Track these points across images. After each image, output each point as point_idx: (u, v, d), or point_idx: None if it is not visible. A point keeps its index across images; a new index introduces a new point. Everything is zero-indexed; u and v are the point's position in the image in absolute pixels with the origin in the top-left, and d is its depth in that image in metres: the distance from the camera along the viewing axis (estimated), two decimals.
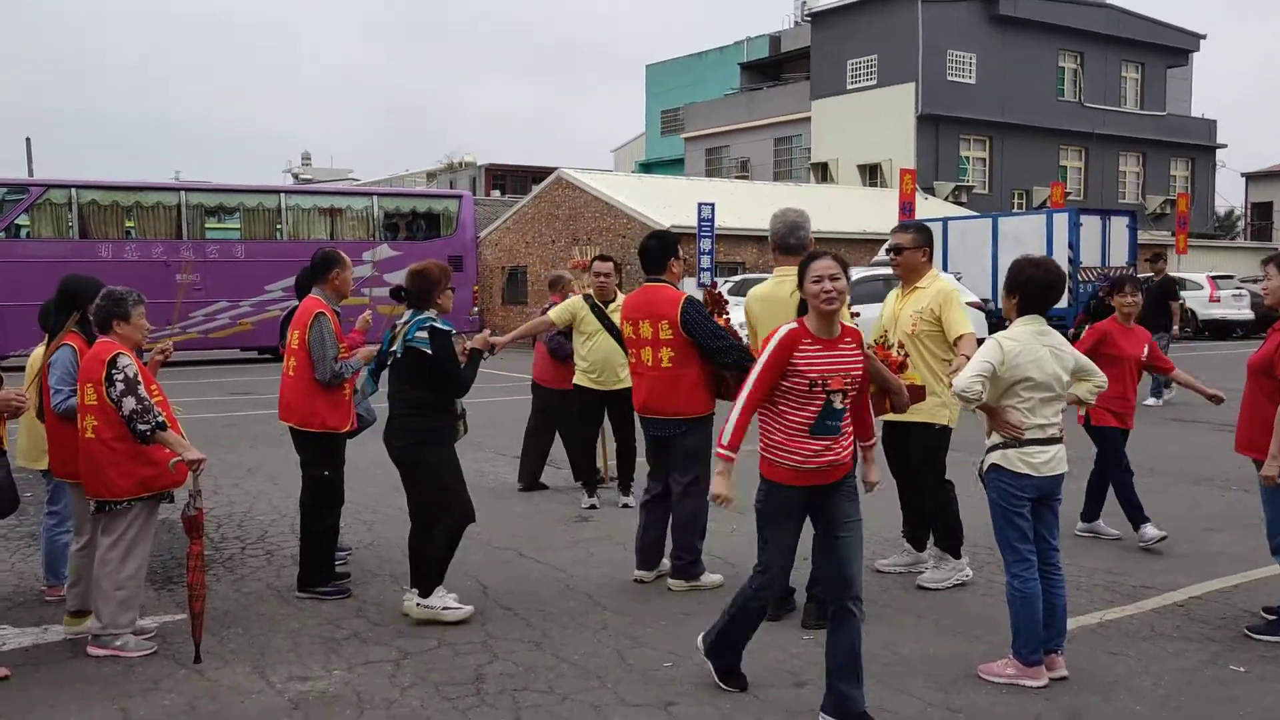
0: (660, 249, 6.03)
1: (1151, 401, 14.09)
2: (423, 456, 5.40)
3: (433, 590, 5.39)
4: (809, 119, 40.64)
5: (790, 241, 5.52)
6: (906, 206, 27.87)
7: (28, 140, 62.86)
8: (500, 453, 10.59)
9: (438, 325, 5.33)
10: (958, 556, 6.01)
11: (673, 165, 48.39)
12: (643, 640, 5.14)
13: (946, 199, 35.90)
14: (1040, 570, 4.59)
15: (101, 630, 4.97)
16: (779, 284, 5.46)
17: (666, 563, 6.13)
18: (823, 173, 39.25)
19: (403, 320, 5.45)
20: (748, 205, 29.32)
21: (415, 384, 5.37)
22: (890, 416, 5.80)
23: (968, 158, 38.61)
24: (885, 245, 6.13)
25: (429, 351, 5.26)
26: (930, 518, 6.04)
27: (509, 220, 32.51)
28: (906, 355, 5.74)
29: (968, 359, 5.44)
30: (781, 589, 4.92)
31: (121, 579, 4.95)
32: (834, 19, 39.49)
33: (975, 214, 29.58)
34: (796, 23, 48.46)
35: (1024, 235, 23.24)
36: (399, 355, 5.37)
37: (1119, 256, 23.74)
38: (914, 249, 5.91)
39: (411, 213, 26.44)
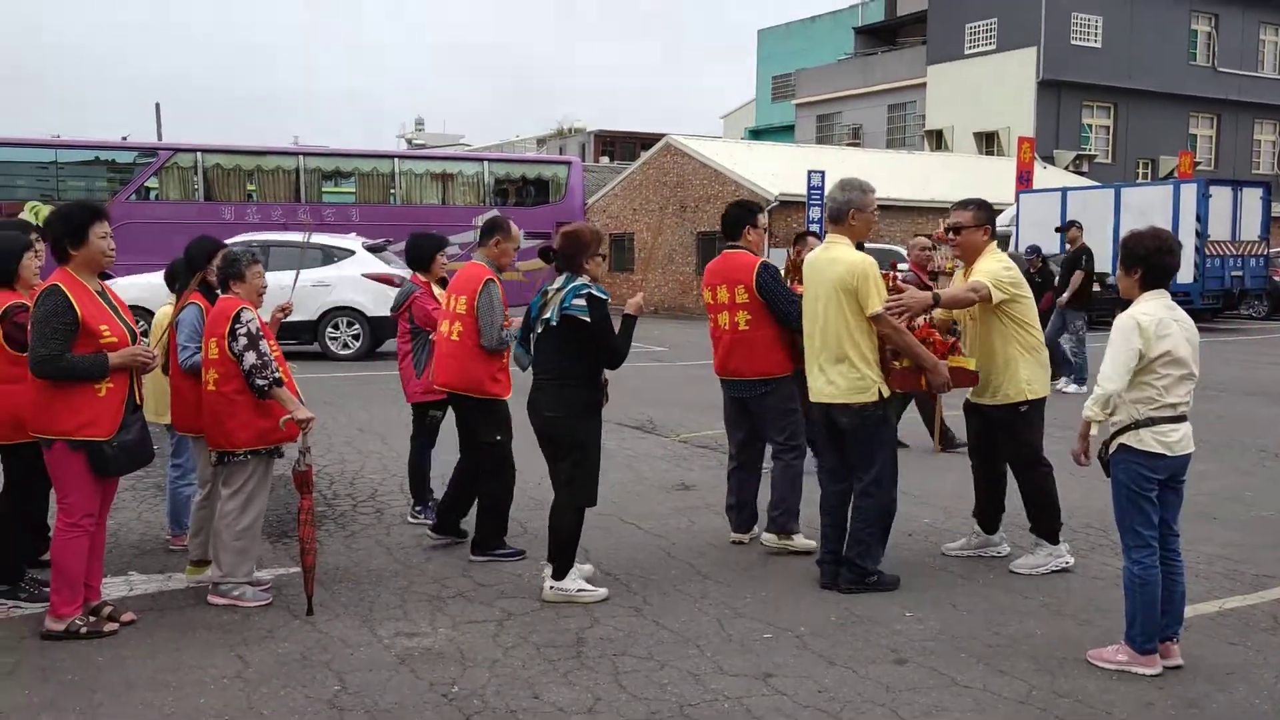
0: (737, 217, 6.18)
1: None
2: (572, 429, 5.25)
3: (567, 572, 5.30)
4: (924, 85, 39.71)
5: (827, 211, 5.65)
6: (1024, 176, 27.10)
7: (157, 106, 65.29)
8: (604, 419, 10.63)
9: (595, 293, 5.15)
10: (1055, 542, 5.77)
11: (783, 132, 47.81)
12: (742, 611, 5.13)
13: (1067, 168, 34.76)
14: (1160, 556, 4.44)
15: (221, 579, 5.17)
16: (823, 250, 5.56)
17: (757, 530, 6.26)
18: (937, 140, 38.36)
19: (555, 286, 5.25)
20: (860, 173, 28.60)
21: (569, 353, 5.19)
22: (972, 397, 5.78)
23: (1090, 125, 37.30)
24: (945, 224, 5.91)
25: (588, 320, 5.11)
26: (1025, 501, 5.80)
27: (617, 187, 32.57)
28: (957, 339, 5.69)
29: (954, 293, 5.53)
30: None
31: (239, 530, 5.14)
32: None
33: (1097, 184, 28.58)
34: None
35: (1149, 207, 22.39)
36: (553, 323, 5.19)
37: (1251, 230, 22.76)
38: (974, 227, 5.71)
39: (521, 178, 26.69)
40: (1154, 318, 4.34)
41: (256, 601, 5.14)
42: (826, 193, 5.70)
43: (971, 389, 5.76)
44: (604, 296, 5.23)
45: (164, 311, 5.81)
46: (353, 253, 16.36)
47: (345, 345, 16.41)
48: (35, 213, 20.17)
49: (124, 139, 26.32)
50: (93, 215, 4.67)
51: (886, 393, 5.39)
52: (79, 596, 4.71)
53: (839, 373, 5.34)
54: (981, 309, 5.59)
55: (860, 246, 5.57)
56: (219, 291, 5.33)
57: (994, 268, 5.58)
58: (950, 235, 5.80)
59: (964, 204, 5.80)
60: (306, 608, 5.02)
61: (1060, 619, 5.05)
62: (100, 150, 23.97)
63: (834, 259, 5.38)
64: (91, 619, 4.75)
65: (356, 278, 16.13)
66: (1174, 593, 4.46)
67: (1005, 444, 5.79)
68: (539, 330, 5.27)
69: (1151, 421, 4.35)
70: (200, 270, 5.57)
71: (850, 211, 5.46)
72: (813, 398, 5.50)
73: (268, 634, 4.80)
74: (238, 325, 5.03)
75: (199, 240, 5.74)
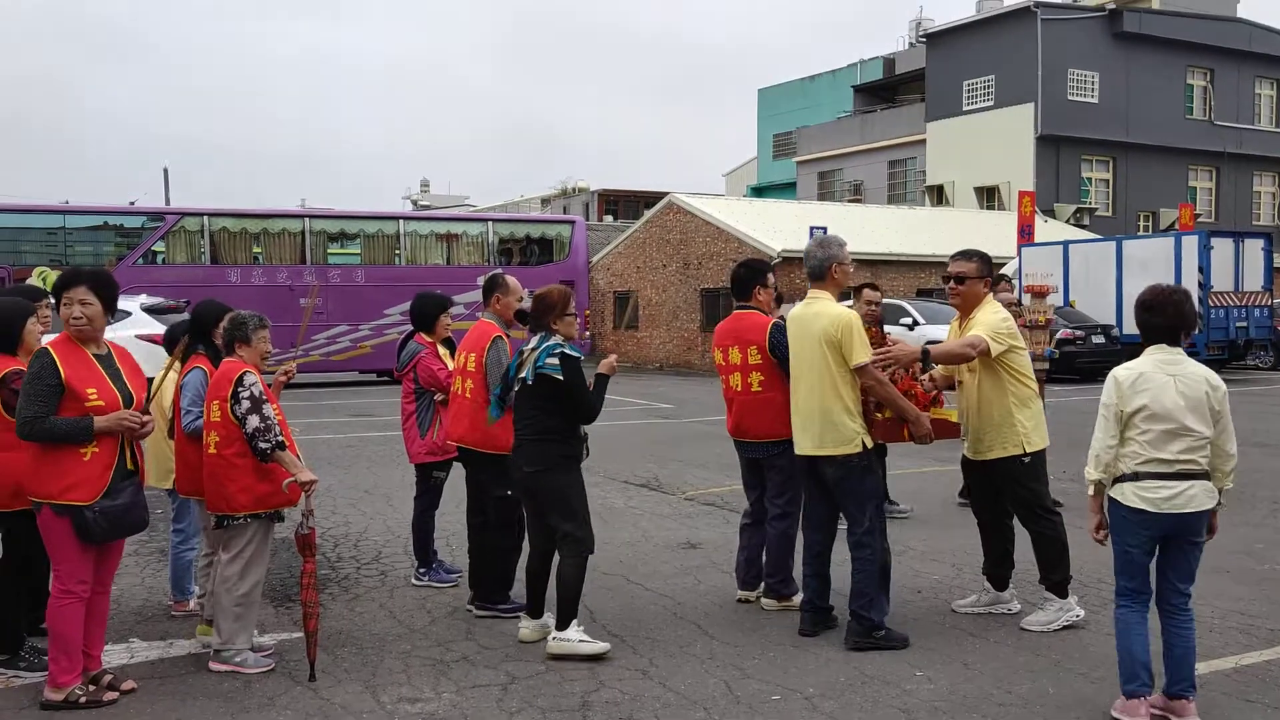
0: (748, 277, 6.21)
1: None
2: (554, 482, 5.36)
3: (569, 623, 5.33)
4: (924, 141, 40.05)
5: (807, 268, 5.73)
6: (1026, 229, 27.24)
7: (165, 170, 65.93)
8: (610, 477, 10.62)
9: (568, 351, 5.32)
10: (1064, 596, 5.69)
11: (785, 189, 48.18)
12: (750, 672, 5.06)
13: (1067, 221, 34.92)
14: (1162, 610, 4.38)
15: (221, 645, 5.11)
16: (805, 306, 5.64)
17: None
18: (938, 195, 38.60)
19: (530, 346, 5.42)
20: (860, 229, 28.99)
21: (546, 410, 5.33)
22: (966, 452, 5.84)
23: (1090, 179, 37.53)
24: (945, 273, 5.95)
25: (561, 378, 5.24)
26: (1036, 552, 5.75)
27: (621, 245, 32.76)
28: (938, 390, 5.80)
29: (948, 348, 5.56)
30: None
31: (239, 595, 5.09)
32: (949, 40, 38.90)
33: (1098, 237, 28.72)
34: (911, 44, 47.92)
35: (1150, 259, 22.49)
36: (529, 381, 5.32)
37: (1254, 280, 22.80)
38: (976, 278, 5.76)
39: (525, 238, 26.84)
40: (1134, 372, 4.36)
41: (258, 668, 5.08)
42: (805, 252, 5.81)
43: (969, 445, 5.78)
44: (577, 355, 5.38)
45: (159, 376, 5.80)
46: (129, 314, 16.03)
47: None
48: (44, 278, 20.30)
49: (131, 203, 26.58)
50: (63, 283, 4.71)
51: (870, 444, 5.48)
52: (78, 665, 4.66)
53: (825, 425, 5.42)
54: (979, 362, 5.59)
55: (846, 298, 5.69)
56: (224, 353, 5.34)
57: (991, 319, 5.60)
58: (951, 285, 5.82)
59: (966, 254, 5.84)
60: (309, 673, 4.96)
61: (1074, 677, 4.98)
62: (108, 215, 24.16)
63: (817, 313, 5.50)
64: (91, 688, 4.68)
65: (130, 338, 15.91)
66: (1174, 649, 4.37)
67: (1011, 497, 5.75)
68: (517, 389, 5.41)
69: (1135, 476, 4.32)
70: (207, 333, 5.58)
71: (832, 266, 5.61)
72: (798, 450, 5.61)
73: (269, 702, 4.73)
74: (240, 389, 5.03)
75: (206, 303, 5.77)
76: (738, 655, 5.31)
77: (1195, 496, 4.31)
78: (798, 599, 5.92)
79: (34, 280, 20.01)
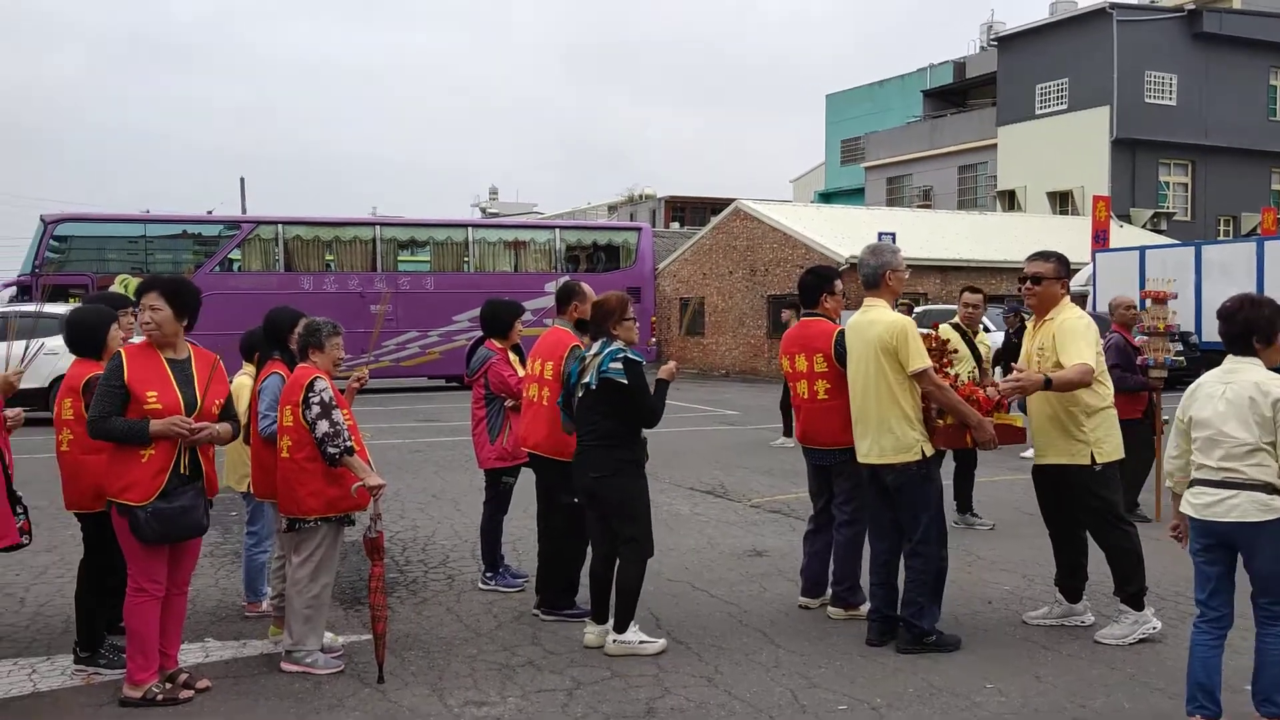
0: (814, 284, 6.21)
1: None
2: (618, 487, 5.42)
3: (628, 626, 5.41)
4: (995, 145, 39.49)
5: (861, 276, 5.71)
6: (1100, 235, 26.69)
7: (241, 180, 67.42)
8: (676, 484, 10.61)
9: (630, 356, 5.37)
10: (1140, 608, 5.55)
11: (853, 195, 47.81)
12: (817, 681, 5.02)
13: (1144, 226, 34.18)
14: (1259, 620, 4.27)
15: (292, 646, 5.20)
16: (861, 314, 5.62)
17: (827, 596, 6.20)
18: (1010, 201, 38.02)
19: (592, 352, 5.48)
20: (930, 235, 28.69)
21: (609, 415, 5.39)
22: (1036, 460, 5.73)
23: (1167, 183, 36.70)
24: (1021, 274, 5.83)
25: (625, 382, 5.30)
26: (1110, 564, 5.63)
27: (687, 252, 32.76)
28: (1001, 396, 5.68)
29: (1066, 376, 5.35)
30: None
31: (309, 597, 5.18)
32: (1022, 43, 38.32)
33: (1176, 242, 28.05)
34: (982, 48, 47.29)
35: (1231, 265, 21.90)
36: (593, 387, 5.38)
37: None
38: (1054, 279, 5.66)
39: (592, 245, 26.98)
40: (1196, 383, 4.41)
41: (328, 669, 5.16)
42: (858, 259, 5.77)
43: (1035, 451, 5.68)
44: (639, 359, 5.43)
45: (241, 382, 5.93)
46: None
47: None
48: (125, 285, 20.87)
49: (209, 212, 27.21)
50: (140, 289, 4.88)
51: (930, 451, 5.44)
52: (154, 663, 4.77)
53: (884, 433, 5.40)
54: (1052, 371, 5.47)
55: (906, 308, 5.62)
56: (298, 359, 5.43)
57: (1078, 325, 5.50)
58: (1028, 285, 5.71)
59: (1044, 255, 5.76)
60: (377, 676, 5.02)
61: (1150, 692, 4.86)
62: (187, 224, 24.81)
63: (872, 320, 5.49)
64: (168, 685, 4.79)
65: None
66: (1257, 664, 4.28)
67: (1083, 507, 5.63)
68: (580, 395, 5.46)
69: (1193, 483, 4.34)
70: (283, 339, 5.69)
71: (885, 273, 5.60)
72: (859, 458, 5.59)
73: (338, 703, 4.80)
74: (311, 394, 5.12)
75: (281, 310, 5.88)
76: (804, 664, 5.27)
77: (1238, 506, 4.17)
78: (864, 608, 5.86)
79: (116, 287, 20.59)
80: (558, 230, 26.86)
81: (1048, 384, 5.33)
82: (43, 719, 4.70)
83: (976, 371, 7.97)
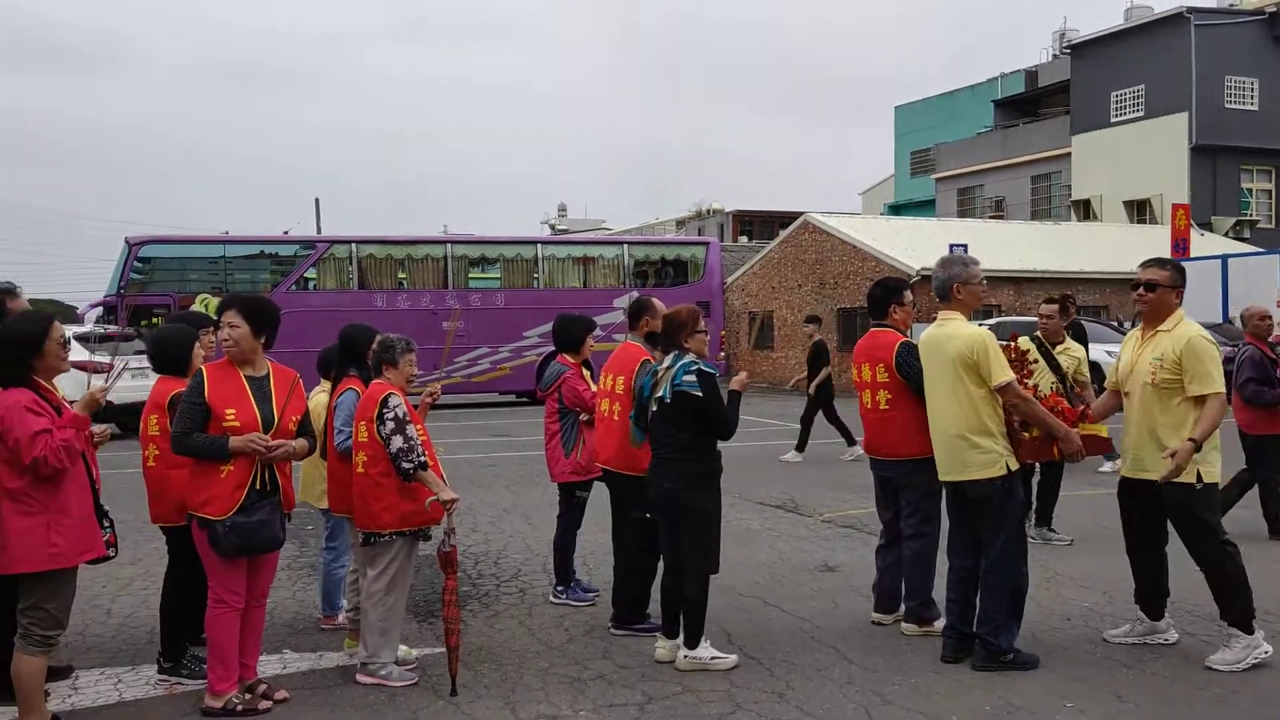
0: (882, 296, 6.21)
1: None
2: (693, 500, 5.41)
3: (699, 641, 5.40)
4: (1069, 154, 38.80)
5: (933, 288, 5.68)
6: (1180, 244, 26.10)
7: (316, 201, 68.78)
8: (745, 498, 10.56)
9: (703, 368, 5.38)
10: (1250, 631, 5.31)
11: (923, 207, 47.31)
12: (890, 698, 4.96)
13: (1226, 235, 33.28)
14: None
15: (367, 659, 5.28)
16: (937, 328, 5.57)
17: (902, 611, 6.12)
18: (1085, 210, 37.30)
19: (664, 366, 5.50)
20: (1003, 245, 28.24)
21: (684, 427, 5.38)
22: (1126, 471, 5.58)
23: (1250, 190, 35.73)
24: (1134, 280, 5.65)
25: (699, 394, 5.30)
26: (1212, 587, 5.42)
27: (756, 265, 32.66)
28: (1086, 406, 5.61)
29: (1207, 427, 5.10)
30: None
31: (384, 610, 5.25)
32: (1096, 50, 37.63)
33: (1260, 250, 27.27)
34: (1054, 56, 46.57)
35: None
36: (666, 400, 5.39)
37: None
38: (1169, 287, 5.48)
39: (660, 260, 27.03)
40: None
41: (402, 681, 5.22)
42: (932, 272, 5.71)
43: (1128, 464, 5.54)
44: (712, 371, 5.42)
45: (318, 399, 6.03)
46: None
47: None
48: (206, 304, 21.40)
49: (285, 233, 27.78)
50: (221, 307, 5.03)
51: (1015, 466, 5.35)
52: (233, 673, 4.87)
53: (966, 449, 5.32)
54: (1151, 381, 5.33)
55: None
56: (372, 375, 5.52)
57: (1207, 347, 5.27)
58: (1140, 292, 5.56)
59: (1160, 262, 5.63)
60: (451, 688, 5.06)
61: (1239, 713, 4.71)
62: (264, 244, 25.38)
63: (950, 335, 5.41)
64: (247, 696, 4.89)
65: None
66: None
67: (1183, 526, 5.43)
68: (653, 408, 5.47)
69: None
70: (358, 356, 5.78)
71: (954, 286, 5.53)
72: (941, 475, 5.51)
73: (412, 715, 4.85)
74: (385, 410, 5.19)
75: (355, 327, 5.98)
76: (877, 680, 5.20)
77: None
78: (939, 624, 5.78)
79: (196, 306, 21.10)
80: (626, 246, 26.95)
81: (1199, 446, 5.16)
82: None
83: (1058, 384, 7.81)
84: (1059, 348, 8.39)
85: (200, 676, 5.15)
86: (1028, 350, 6.77)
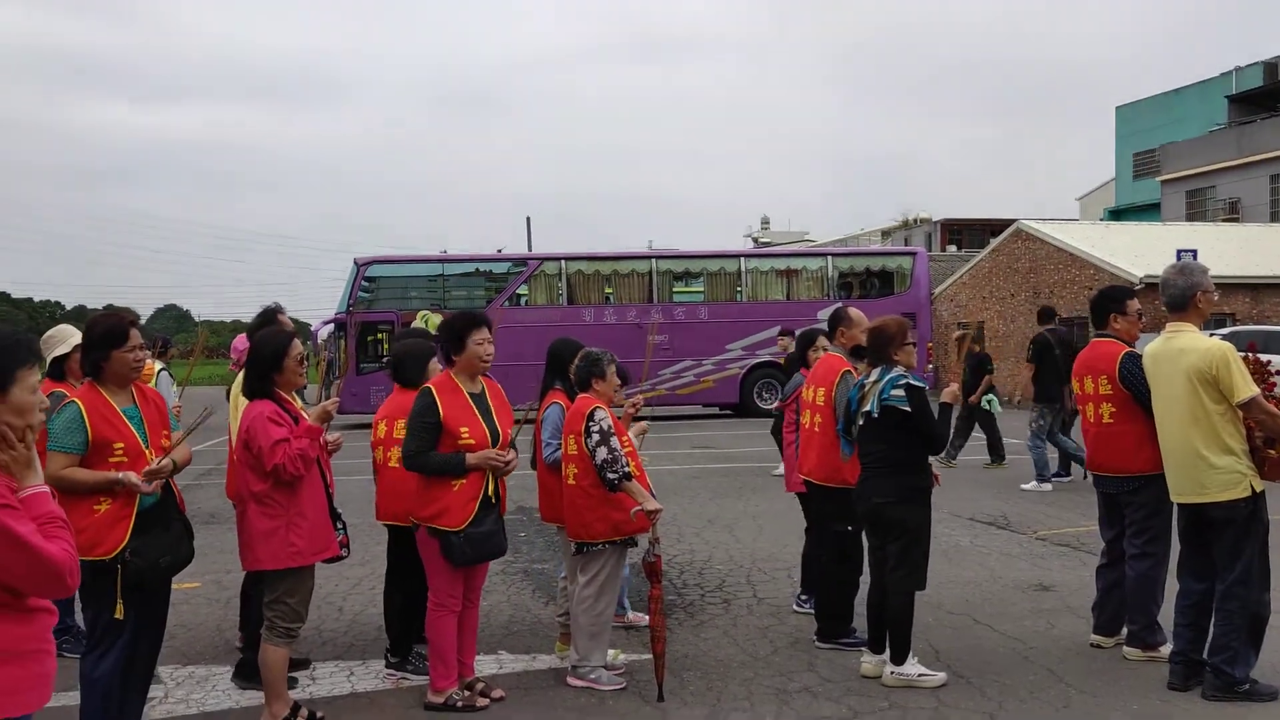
0: (1102, 305, 5.99)
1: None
2: (902, 514, 5.36)
3: (906, 657, 5.33)
4: None
5: (1166, 298, 5.38)
6: None
7: (528, 220, 71.20)
8: (955, 514, 10.29)
9: (912, 382, 5.32)
10: None
11: (1146, 211, 44.73)
12: None
13: None
14: None
15: (578, 662, 5.45)
16: (1166, 340, 5.30)
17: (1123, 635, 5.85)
18: None
19: (872, 379, 5.47)
20: (1238, 250, 26.46)
21: (893, 441, 5.34)
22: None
23: None
24: None
25: (907, 409, 5.25)
26: None
27: (965, 275, 31.71)
28: None
29: None
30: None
31: (594, 615, 5.41)
32: None
33: None
34: None
35: None
36: (874, 414, 5.36)
37: None
38: None
39: (865, 271, 26.63)
40: None
41: (611, 685, 5.37)
42: (1162, 280, 5.40)
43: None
44: (921, 385, 5.33)
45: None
46: None
47: None
48: (426, 321, 22.52)
49: (499, 251, 28.88)
50: (470, 323, 5.17)
51: (1259, 486, 5.00)
52: (452, 671, 5.13)
53: (1204, 469, 5.00)
54: None
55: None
56: (578, 389, 5.70)
57: None
58: None
59: None
60: (657, 694, 5.18)
61: None
62: (480, 263, 26.50)
63: (1183, 348, 5.11)
64: (466, 693, 5.15)
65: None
66: None
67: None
68: (860, 422, 5.44)
69: None
70: (563, 369, 5.98)
71: (1195, 295, 5.24)
72: (1175, 497, 5.21)
73: (621, 719, 4.98)
74: (591, 423, 5.36)
75: (561, 341, 6.19)
76: (1096, 705, 4.99)
77: None
78: (1166, 649, 5.49)
79: (417, 323, 22.24)
80: (829, 257, 26.69)
81: None
82: (362, 716, 5.15)
83: None
84: None
85: (424, 672, 5.45)
86: (1269, 361, 6.34)
